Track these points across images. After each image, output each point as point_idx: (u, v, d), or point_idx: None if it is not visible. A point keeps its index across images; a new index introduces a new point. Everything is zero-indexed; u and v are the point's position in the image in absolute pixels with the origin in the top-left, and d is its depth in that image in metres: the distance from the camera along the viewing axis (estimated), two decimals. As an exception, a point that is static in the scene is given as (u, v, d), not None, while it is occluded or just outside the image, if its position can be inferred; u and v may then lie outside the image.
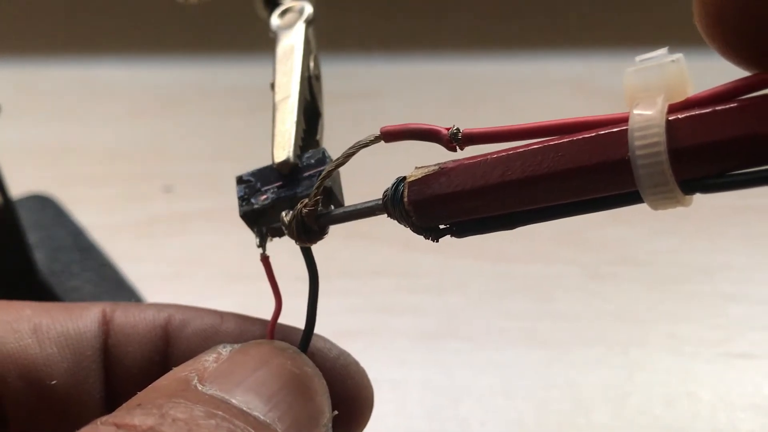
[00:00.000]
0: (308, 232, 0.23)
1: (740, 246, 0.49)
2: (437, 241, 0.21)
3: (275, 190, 0.24)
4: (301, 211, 0.22)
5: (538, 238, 0.49)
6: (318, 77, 0.27)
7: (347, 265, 0.48)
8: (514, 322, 0.44)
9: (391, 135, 0.21)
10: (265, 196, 0.24)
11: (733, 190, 0.17)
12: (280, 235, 0.24)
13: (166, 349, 0.24)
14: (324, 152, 0.24)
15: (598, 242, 0.49)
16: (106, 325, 0.24)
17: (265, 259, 0.24)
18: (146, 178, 0.57)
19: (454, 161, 0.20)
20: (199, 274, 0.48)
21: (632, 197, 0.18)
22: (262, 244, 0.24)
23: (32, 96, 0.68)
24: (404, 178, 0.21)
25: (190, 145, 0.61)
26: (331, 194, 0.23)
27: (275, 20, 0.28)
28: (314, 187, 0.22)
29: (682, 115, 0.17)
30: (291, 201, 0.23)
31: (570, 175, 0.18)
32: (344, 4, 0.68)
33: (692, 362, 0.41)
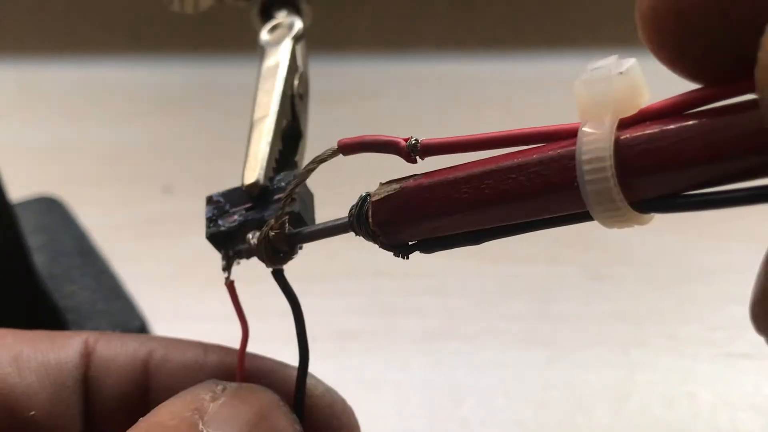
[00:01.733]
0: (277, 254, 0.22)
1: (740, 246, 0.48)
2: (407, 258, 0.21)
3: (243, 212, 0.23)
4: (267, 234, 0.22)
5: (539, 239, 0.49)
6: (302, 96, 0.26)
7: (349, 265, 0.48)
8: (514, 322, 0.44)
9: (348, 147, 0.21)
10: (233, 218, 0.23)
11: (690, 211, 0.17)
12: (248, 256, 0.23)
13: (146, 383, 0.24)
14: (295, 176, 0.23)
15: (598, 243, 0.49)
16: (87, 356, 0.24)
17: (230, 285, 0.24)
18: (146, 179, 0.57)
19: (414, 179, 0.20)
20: (199, 275, 0.48)
21: (590, 215, 0.18)
22: (227, 268, 0.24)
23: (32, 96, 0.68)
24: (368, 195, 0.21)
25: (190, 145, 0.61)
26: (300, 219, 0.22)
27: (264, 35, 0.27)
28: (279, 208, 0.22)
29: (631, 135, 0.17)
30: (259, 224, 0.23)
31: (524, 197, 0.18)
32: (344, 4, 0.68)
33: (692, 362, 0.41)
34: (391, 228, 0.20)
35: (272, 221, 0.22)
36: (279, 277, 0.23)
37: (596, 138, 0.17)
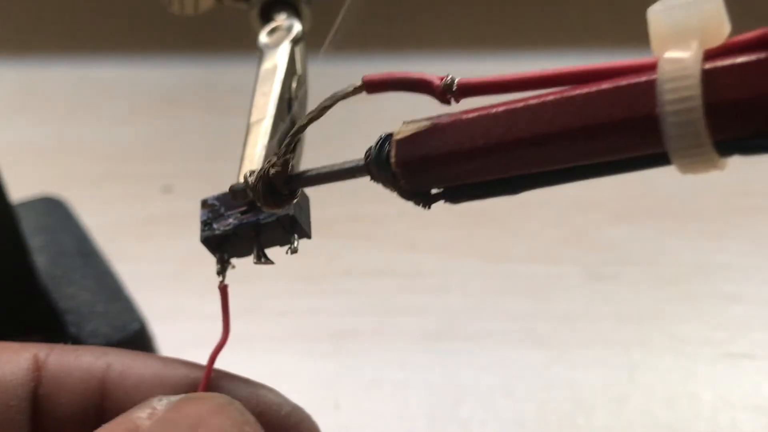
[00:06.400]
0: (275, 196, 0.21)
1: (741, 246, 0.48)
2: (429, 208, 0.19)
3: (238, 216, 0.23)
4: (267, 171, 0.20)
5: (539, 239, 0.49)
6: (300, 99, 0.26)
7: (349, 265, 0.48)
8: (515, 322, 0.44)
9: (374, 85, 0.19)
10: (228, 222, 0.23)
11: None
12: (244, 196, 0.22)
13: (101, 402, 0.22)
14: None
15: (599, 242, 0.49)
16: (38, 371, 0.22)
17: (223, 288, 0.23)
18: (146, 178, 0.56)
19: (449, 115, 0.18)
20: (200, 274, 0.47)
21: (659, 159, 0.16)
22: (222, 272, 0.24)
23: (32, 96, 0.68)
24: (391, 135, 0.18)
25: (190, 145, 0.61)
26: (294, 222, 0.22)
27: (263, 38, 0.27)
28: (283, 144, 0.20)
29: (722, 63, 0.15)
30: (254, 228, 0.22)
31: (586, 134, 0.16)
32: (344, 4, 0.68)
33: (693, 363, 0.41)
34: (417, 170, 0.18)
35: (274, 158, 0.20)
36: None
37: (682, 65, 0.15)
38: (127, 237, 0.51)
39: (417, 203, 0.19)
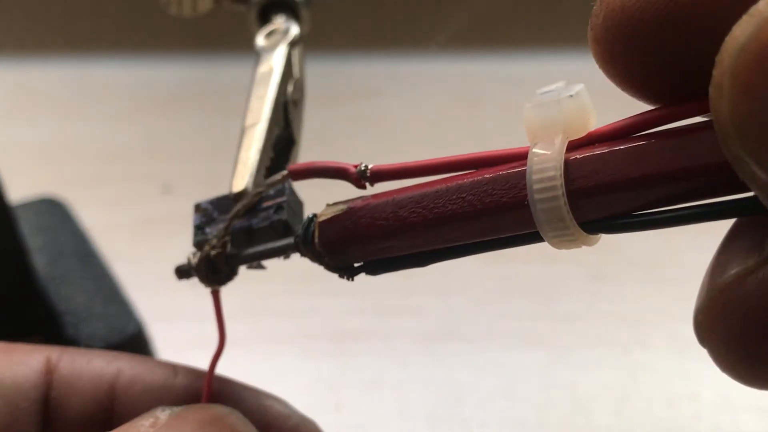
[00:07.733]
0: (217, 274, 0.22)
1: (741, 246, 0.48)
2: (353, 280, 0.21)
3: None
4: (208, 253, 0.22)
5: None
6: (296, 103, 0.26)
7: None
8: (515, 322, 0.44)
9: (298, 173, 0.21)
10: (220, 227, 0.23)
11: (637, 231, 0.17)
12: (188, 276, 0.23)
13: (111, 406, 0.22)
14: (285, 183, 0.23)
15: (599, 243, 0.49)
16: (49, 374, 0.22)
17: (215, 293, 0.23)
18: (145, 178, 0.56)
19: (363, 199, 0.20)
20: (199, 275, 0.48)
21: (538, 236, 0.18)
22: None
23: (30, 96, 0.68)
24: (314, 216, 0.21)
25: (190, 145, 0.61)
26: (288, 228, 0.22)
27: (260, 41, 0.27)
28: (222, 228, 0.22)
29: (581, 155, 0.17)
30: (246, 233, 0.22)
31: (473, 217, 0.18)
32: (344, 4, 0.68)
33: (694, 363, 0.41)
34: (337, 248, 0.20)
35: (214, 240, 0.22)
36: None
37: (546, 157, 0.17)
38: (126, 237, 0.50)
39: (341, 276, 0.21)
